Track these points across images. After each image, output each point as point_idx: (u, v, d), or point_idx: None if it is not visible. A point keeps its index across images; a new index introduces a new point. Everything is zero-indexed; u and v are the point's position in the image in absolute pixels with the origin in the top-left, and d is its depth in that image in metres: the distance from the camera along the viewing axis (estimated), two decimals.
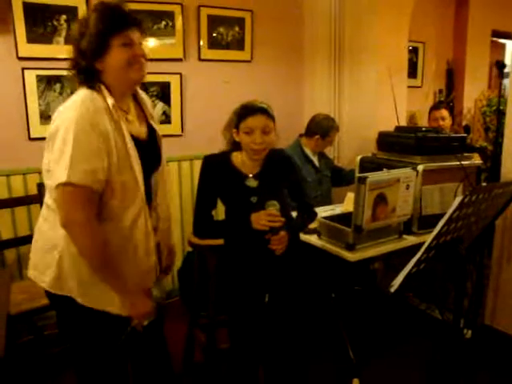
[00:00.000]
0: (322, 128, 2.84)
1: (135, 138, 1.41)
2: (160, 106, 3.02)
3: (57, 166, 1.27)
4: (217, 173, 1.75)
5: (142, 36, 1.37)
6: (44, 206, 1.44)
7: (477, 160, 2.39)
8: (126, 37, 1.32)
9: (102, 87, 1.34)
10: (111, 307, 1.41)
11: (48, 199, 1.40)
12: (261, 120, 1.66)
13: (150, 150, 1.48)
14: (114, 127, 1.33)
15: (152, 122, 1.54)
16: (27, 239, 2.59)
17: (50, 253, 1.38)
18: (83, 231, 1.29)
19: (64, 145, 1.25)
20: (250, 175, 1.75)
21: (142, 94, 1.56)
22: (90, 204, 1.30)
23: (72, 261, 1.36)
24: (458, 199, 1.30)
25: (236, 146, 1.74)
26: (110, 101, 1.33)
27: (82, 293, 1.38)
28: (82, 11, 2.63)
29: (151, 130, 1.53)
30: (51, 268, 1.38)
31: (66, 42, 2.64)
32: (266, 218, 1.63)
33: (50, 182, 1.33)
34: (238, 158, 1.76)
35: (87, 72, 1.33)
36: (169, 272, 1.78)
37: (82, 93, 1.33)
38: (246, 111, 1.68)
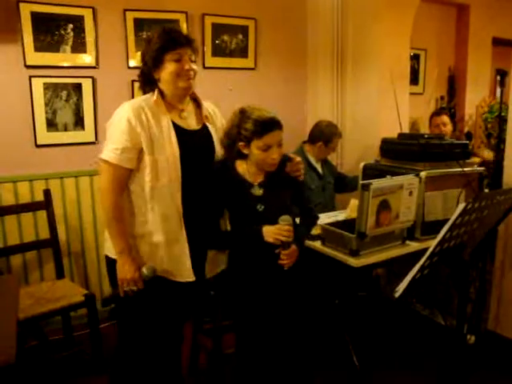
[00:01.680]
0: (324, 135, 2.86)
1: (185, 129, 1.72)
2: None
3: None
4: (222, 181, 1.74)
5: (194, 53, 1.72)
6: None
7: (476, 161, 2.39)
8: (177, 54, 1.65)
9: (156, 91, 1.70)
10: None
11: None
12: (277, 135, 1.65)
13: (201, 142, 1.77)
14: (154, 117, 1.65)
15: (207, 123, 1.82)
16: (33, 245, 2.63)
17: None
18: (104, 196, 1.64)
19: (108, 132, 1.67)
20: (255, 183, 1.75)
21: (205, 104, 1.86)
22: (116, 178, 1.63)
23: None
24: (461, 206, 1.32)
25: (239, 154, 1.72)
26: (155, 98, 1.68)
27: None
28: (88, 20, 2.69)
29: (206, 129, 1.81)
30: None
31: (73, 50, 2.69)
32: (282, 232, 1.63)
33: None
34: (242, 166, 1.76)
35: (148, 79, 1.72)
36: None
37: (136, 97, 1.74)
38: (263, 128, 1.62)
